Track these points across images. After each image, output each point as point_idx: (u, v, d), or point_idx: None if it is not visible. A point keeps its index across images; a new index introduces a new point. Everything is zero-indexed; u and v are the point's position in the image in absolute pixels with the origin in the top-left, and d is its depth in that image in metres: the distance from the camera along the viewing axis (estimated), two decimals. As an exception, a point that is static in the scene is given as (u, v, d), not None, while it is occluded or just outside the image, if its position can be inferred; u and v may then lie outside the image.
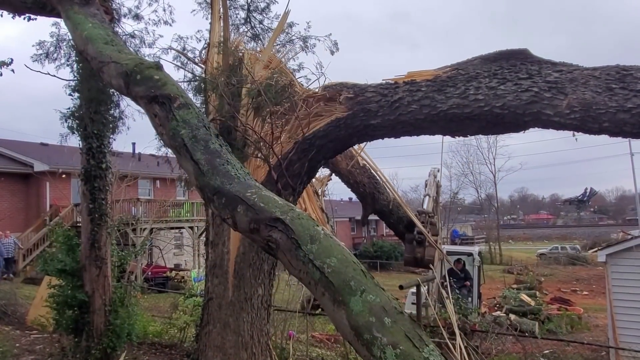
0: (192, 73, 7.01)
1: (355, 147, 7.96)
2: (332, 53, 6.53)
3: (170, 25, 9.14)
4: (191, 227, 28.53)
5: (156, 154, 6.68)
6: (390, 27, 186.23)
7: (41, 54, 8.61)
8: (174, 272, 26.21)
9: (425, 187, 9.88)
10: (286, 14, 6.80)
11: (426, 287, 10.83)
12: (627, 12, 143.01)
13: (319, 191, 9.36)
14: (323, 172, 9.09)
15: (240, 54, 6.37)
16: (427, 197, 9.42)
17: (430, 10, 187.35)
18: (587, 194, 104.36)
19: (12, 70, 6.69)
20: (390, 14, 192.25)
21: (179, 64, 7.31)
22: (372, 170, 8.92)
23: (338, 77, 5.85)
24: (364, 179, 8.82)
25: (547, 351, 12.81)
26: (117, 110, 8.71)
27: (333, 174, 9.04)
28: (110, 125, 8.55)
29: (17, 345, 9.94)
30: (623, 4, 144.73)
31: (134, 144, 31.91)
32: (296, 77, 6.57)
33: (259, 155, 5.83)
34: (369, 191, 8.86)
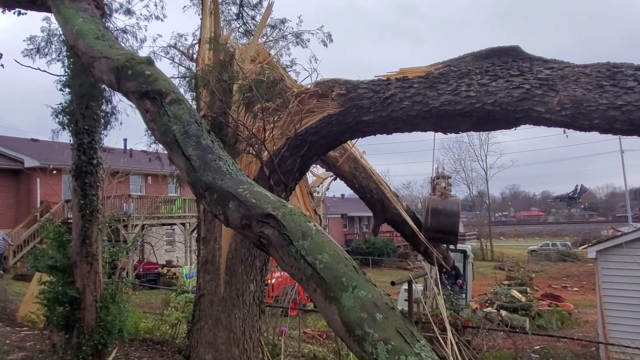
0: (188, 69, 6.99)
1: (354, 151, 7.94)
2: (326, 45, 6.53)
3: (162, 20, 9.13)
4: (183, 224, 28.48)
5: (148, 150, 6.66)
6: (396, 20, 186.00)
7: (32, 49, 8.55)
8: (165, 268, 26.16)
9: (437, 178, 9.81)
10: (270, 5, 6.78)
11: (424, 283, 10.98)
12: (634, 8, 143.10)
13: (320, 191, 9.24)
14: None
15: (232, 50, 6.34)
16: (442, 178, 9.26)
17: (436, 6, 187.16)
18: (578, 191, 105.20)
19: (2, 65, 6.64)
20: (395, 8, 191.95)
21: (169, 58, 7.30)
22: (368, 170, 8.20)
23: (340, 71, 5.85)
24: (371, 184, 7.98)
25: (537, 347, 12.90)
26: (109, 106, 8.68)
27: (337, 178, 8.43)
28: (102, 121, 8.51)
29: (7, 342, 9.89)
30: (630, 0, 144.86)
31: (125, 140, 31.65)
32: (288, 72, 6.56)
33: (250, 151, 5.81)
34: (378, 197, 7.97)
